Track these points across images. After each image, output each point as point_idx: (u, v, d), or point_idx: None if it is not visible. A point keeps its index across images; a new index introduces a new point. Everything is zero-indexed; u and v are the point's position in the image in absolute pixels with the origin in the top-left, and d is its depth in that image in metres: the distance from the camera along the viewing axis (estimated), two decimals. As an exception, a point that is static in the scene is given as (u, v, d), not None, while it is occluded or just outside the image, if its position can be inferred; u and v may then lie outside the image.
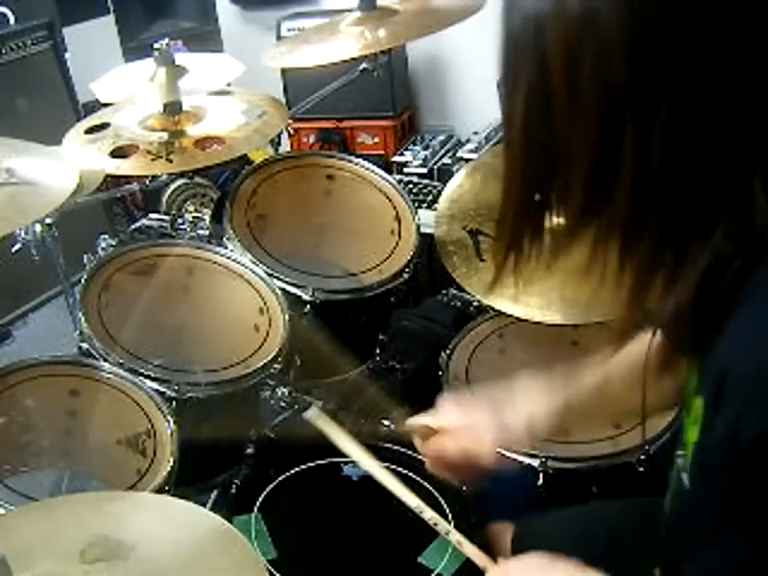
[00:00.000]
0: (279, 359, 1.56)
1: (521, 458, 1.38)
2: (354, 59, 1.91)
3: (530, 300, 1.47)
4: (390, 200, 1.88)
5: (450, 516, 1.27)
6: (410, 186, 2.57)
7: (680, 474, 0.76)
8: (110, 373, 1.42)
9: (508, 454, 1.38)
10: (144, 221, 2.29)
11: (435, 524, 1.11)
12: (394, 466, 1.40)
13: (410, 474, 1.37)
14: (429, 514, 1.11)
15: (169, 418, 1.36)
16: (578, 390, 1.04)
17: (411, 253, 1.77)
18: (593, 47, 0.61)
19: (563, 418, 1.04)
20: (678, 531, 0.77)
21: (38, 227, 1.56)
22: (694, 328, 0.69)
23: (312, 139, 3.12)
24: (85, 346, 1.48)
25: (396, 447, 1.45)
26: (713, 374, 0.65)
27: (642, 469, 1.36)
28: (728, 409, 0.62)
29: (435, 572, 1.18)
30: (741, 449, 0.61)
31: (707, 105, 0.60)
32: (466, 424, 1.06)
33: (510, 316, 1.53)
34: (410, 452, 1.43)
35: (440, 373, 1.59)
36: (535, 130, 0.68)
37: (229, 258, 1.69)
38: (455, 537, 1.09)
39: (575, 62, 0.62)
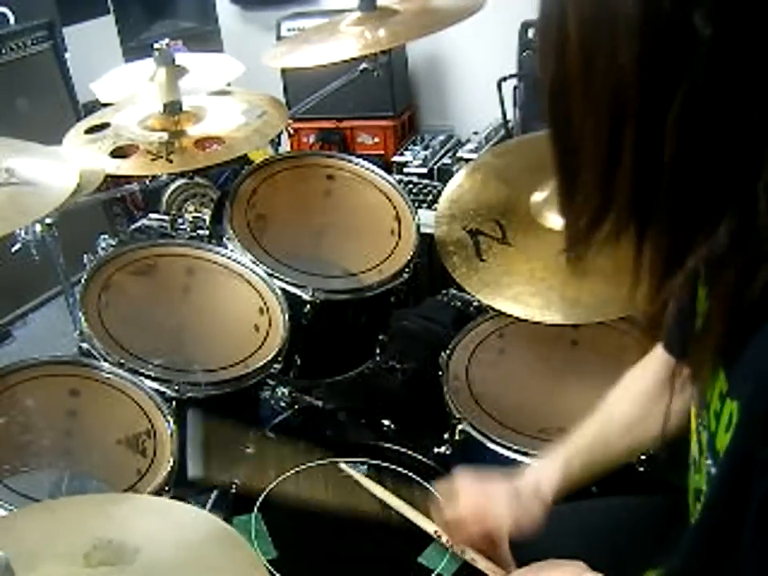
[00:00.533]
0: (279, 359, 1.56)
1: (520, 458, 1.38)
2: (354, 59, 1.91)
3: (530, 300, 1.47)
4: (389, 200, 1.88)
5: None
6: (410, 185, 2.57)
7: (712, 483, 0.75)
8: (109, 373, 1.42)
9: (507, 453, 1.39)
10: (144, 221, 2.29)
11: (452, 545, 1.15)
12: (393, 466, 1.40)
13: (410, 474, 1.38)
14: (446, 537, 1.15)
15: (169, 418, 1.36)
16: (577, 444, 1.07)
17: (411, 253, 1.77)
18: (606, 38, 0.61)
19: (568, 475, 1.06)
20: (711, 540, 0.76)
21: (38, 227, 1.56)
22: (725, 331, 0.68)
23: (312, 139, 3.12)
24: (85, 345, 1.48)
25: (396, 447, 1.45)
26: (754, 381, 0.64)
27: (641, 469, 1.36)
28: None
29: (435, 572, 1.18)
30: None
31: (718, 101, 0.60)
32: (483, 494, 1.08)
33: (510, 316, 1.53)
34: (410, 452, 1.44)
35: (440, 373, 1.59)
36: (557, 115, 0.69)
37: (229, 257, 1.69)
38: (469, 555, 1.12)
39: (590, 51, 0.63)
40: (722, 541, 0.70)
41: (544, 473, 1.07)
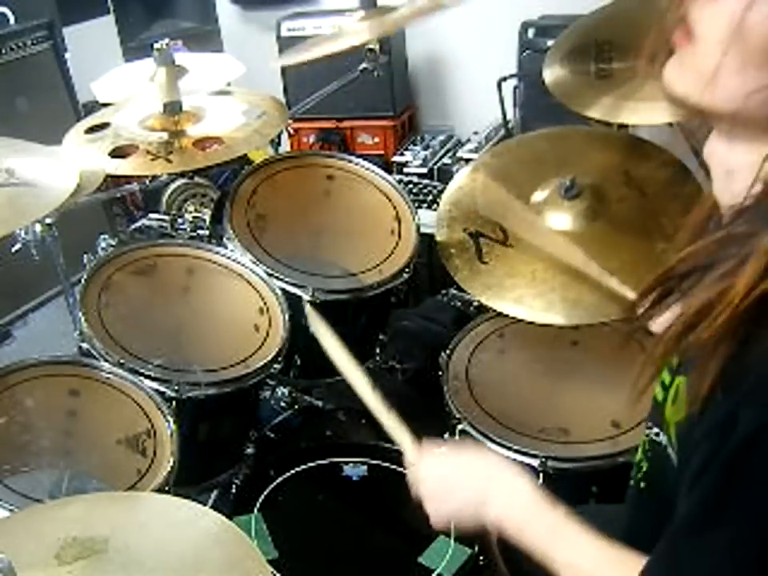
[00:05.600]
0: (279, 359, 1.56)
1: (520, 458, 1.38)
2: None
3: (533, 302, 1.47)
4: (389, 200, 1.88)
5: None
6: (410, 186, 2.57)
7: (664, 452, 0.77)
8: (109, 373, 1.42)
9: (507, 453, 1.39)
10: (144, 221, 2.29)
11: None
12: (393, 466, 1.40)
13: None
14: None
15: (169, 418, 1.36)
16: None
17: (411, 253, 1.77)
18: None
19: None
20: (659, 508, 0.77)
21: (38, 227, 1.56)
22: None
23: (312, 139, 3.12)
24: (85, 345, 1.48)
25: (396, 447, 1.45)
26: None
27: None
28: (728, 397, 0.63)
29: (435, 572, 1.18)
30: (738, 436, 0.62)
31: None
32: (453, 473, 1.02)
33: (514, 318, 1.53)
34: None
35: (440, 373, 1.59)
36: None
37: (229, 257, 1.69)
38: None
39: None
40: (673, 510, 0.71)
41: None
